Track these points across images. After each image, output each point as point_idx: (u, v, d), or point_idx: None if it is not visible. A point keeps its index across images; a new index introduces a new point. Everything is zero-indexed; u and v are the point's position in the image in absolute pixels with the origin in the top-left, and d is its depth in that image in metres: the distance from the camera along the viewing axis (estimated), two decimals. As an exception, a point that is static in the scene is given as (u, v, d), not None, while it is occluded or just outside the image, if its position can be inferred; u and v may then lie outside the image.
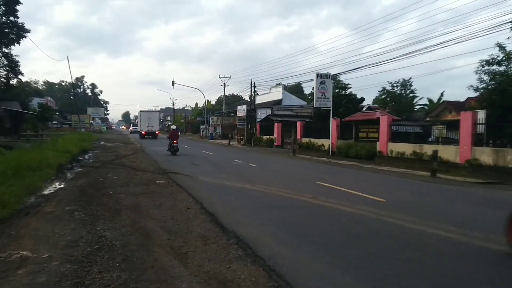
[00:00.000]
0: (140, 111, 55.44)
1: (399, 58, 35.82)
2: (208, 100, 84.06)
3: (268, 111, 46.52)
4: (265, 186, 12.03)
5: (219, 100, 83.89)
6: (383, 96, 43.92)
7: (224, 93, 65.36)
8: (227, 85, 73.13)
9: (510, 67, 18.88)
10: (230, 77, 60.22)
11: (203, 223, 7.27)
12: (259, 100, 53.40)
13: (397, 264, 5.22)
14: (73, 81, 73.95)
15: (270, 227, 7.05)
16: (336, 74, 37.03)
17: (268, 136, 40.30)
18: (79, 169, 15.75)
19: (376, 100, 46.70)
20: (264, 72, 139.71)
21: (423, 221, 7.77)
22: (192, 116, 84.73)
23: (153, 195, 10.03)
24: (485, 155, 17.19)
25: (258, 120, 45.45)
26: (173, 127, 29.07)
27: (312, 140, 31.37)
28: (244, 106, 46.22)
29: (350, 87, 38.79)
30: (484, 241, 6.34)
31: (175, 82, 61.40)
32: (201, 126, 65.54)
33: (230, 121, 58.72)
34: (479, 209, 9.85)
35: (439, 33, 55.71)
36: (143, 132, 51.04)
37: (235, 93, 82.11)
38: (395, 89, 43.09)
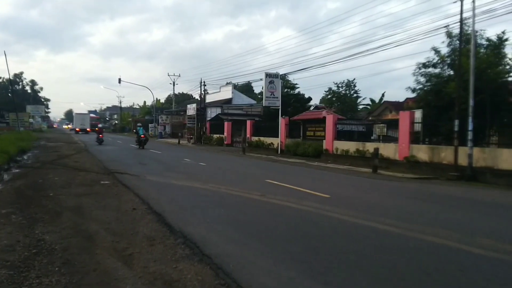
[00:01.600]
0: (76, 113, 77.55)
1: (344, 59, 37.23)
2: (157, 98, 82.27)
3: (218, 110, 46.42)
4: (215, 184, 12.03)
5: (169, 99, 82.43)
6: (329, 96, 45.29)
7: (174, 92, 64.37)
8: (177, 84, 72.19)
9: (444, 70, 20.16)
10: (179, 76, 59.64)
11: (149, 223, 7.16)
12: (209, 99, 53.11)
13: (339, 256, 5.45)
14: (11, 78, 69.39)
15: (219, 225, 7.09)
16: (285, 74, 37.71)
17: (218, 135, 40.22)
18: (17, 170, 14.88)
19: (322, 100, 48.05)
20: (214, 71, 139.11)
21: (365, 215, 8.15)
22: (140, 115, 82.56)
23: (97, 196, 9.71)
24: (422, 152, 18.28)
25: (208, 119, 45.22)
26: (100, 125, 42.47)
27: (262, 138, 31.71)
28: (194, 105, 45.79)
29: (298, 87, 39.67)
30: (420, 233, 6.76)
31: (121, 79, 59.39)
32: (149, 125, 64.07)
33: (180, 119, 57.91)
34: (416, 203, 10.48)
35: (380, 36, 58.34)
36: (77, 129, 68.81)
37: (185, 92, 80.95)
38: (340, 89, 44.61)
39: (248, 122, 34.57)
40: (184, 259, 5.26)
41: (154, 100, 69.44)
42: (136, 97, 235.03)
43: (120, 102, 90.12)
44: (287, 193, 10.92)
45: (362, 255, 5.52)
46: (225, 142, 38.05)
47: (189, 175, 14.38)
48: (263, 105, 30.83)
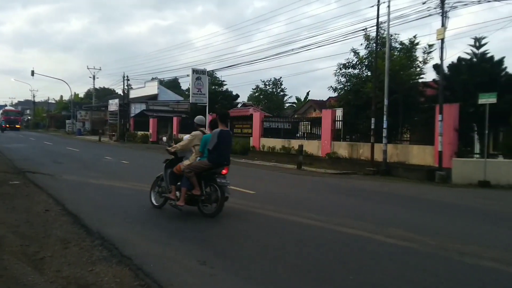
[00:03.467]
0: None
1: (271, 58, 37.85)
2: (75, 92, 77.33)
3: (143, 106, 44.92)
4: (137, 183, 11.59)
5: (89, 93, 77.87)
6: (256, 94, 45.94)
7: (94, 86, 61.00)
8: (97, 78, 68.55)
9: (362, 71, 21.37)
10: (100, 69, 56.57)
11: (64, 225, 6.69)
12: (133, 94, 51.14)
13: (263, 251, 5.51)
14: None
15: (140, 226, 6.83)
16: (212, 71, 37.48)
17: (143, 132, 38.94)
18: None
19: (250, 98, 48.57)
20: (139, 65, 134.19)
21: (288, 210, 8.36)
22: (57, 110, 77.13)
23: (4, 197, 8.86)
24: (342, 149, 19.24)
25: (132, 115, 43.57)
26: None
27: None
28: (117, 100, 43.81)
29: (226, 84, 39.69)
30: (338, 226, 7.07)
31: (35, 71, 54.84)
32: (67, 121, 60.11)
33: (101, 116, 55.09)
34: (335, 197, 11.00)
35: (304, 36, 60.46)
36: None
37: (106, 86, 76.96)
38: (268, 87, 45.45)
39: (175, 119, 33.89)
40: (102, 261, 4.98)
41: (72, 95, 65.18)
42: (52, 91, 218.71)
43: (34, 96, 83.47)
44: (213, 190, 10.84)
45: (284, 249, 5.64)
46: (150, 140, 36.96)
47: (110, 174, 13.71)
48: (190, 101, 30.42)
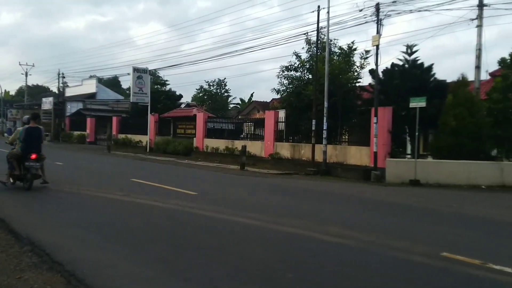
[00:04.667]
0: None
1: (215, 58, 37.74)
2: (5, 90, 72.17)
3: (80, 105, 42.87)
4: (72, 185, 11.05)
5: (21, 91, 72.89)
6: (200, 94, 45.47)
7: (26, 83, 57.18)
8: (30, 74, 64.35)
9: (304, 74, 21.94)
10: (33, 65, 53.15)
11: (-12, 231, 6.20)
12: (69, 92, 48.63)
13: (203, 252, 5.46)
14: None
15: (73, 230, 6.51)
16: (155, 70, 36.60)
17: (79, 132, 37.23)
18: None
19: (194, 98, 47.96)
20: (76, 63, 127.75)
21: (230, 210, 8.36)
22: (-16, 108, 71.34)
23: None
24: (285, 150, 19.62)
25: (68, 114, 41.46)
26: None
27: (129, 136, 30.35)
28: (51, 99, 41.46)
29: (169, 84, 38.92)
30: (279, 225, 7.18)
31: (-42, 65, 50.50)
32: (-5, 120, 55.87)
33: (33, 114, 51.60)
34: (277, 196, 11.18)
35: (248, 38, 60.99)
36: None
37: (40, 84, 72.49)
38: (212, 88, 45.14)
39: (114, 119, 32.72)
40: (31, 268, 4.68)
41: (1, 92, 60.70)
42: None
43: (-44, 93, 76.62)
44: (153, 191, 10.62)
45: (225, 250, 5.63)
46: (88, 140, 35.42)
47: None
48: (131, 101, 29.52)
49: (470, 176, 14.27)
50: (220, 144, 22.87)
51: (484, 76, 19.84)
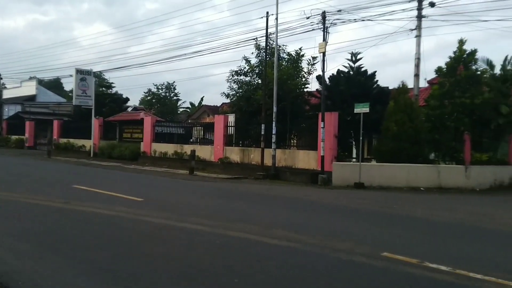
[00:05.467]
0: None
1: (163, 61, 37.01)
2: None
3: (19, 108, 40.47)
4: (7, 192, 10.36)
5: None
6: (148, 98, 44.46)
7: (-43, 83, 53.00)
8: (-38, 74, 59.73)
9: (253, 78, 22.06)
10: (-33, 65, 49.35)
11: None
12: (7, 94, 45.62)
13: (148, 260, 5.29)
14: None
15: (8, 239, 6.08)
16: (100, 72, 35.34)
17: (18, 136, 35.05)
18: None
19: (142, 101, 46.79)
20: (15, 63, 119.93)
21: (177, 216, 8.19)
22: None
23: None
24: (234, 154, 19.60)
25: (5, 117, 38.99)
26: None
27: (72, 140, 29.04)
28: (-14, 100, 38.72)
29: (115, 86, 37.70)
30: (227, 230, 7.12)
31: None
32: None
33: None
34: (226, 201, 11.10)
35: (198, 42, 60.56)
36: None
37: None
38: (160, 91, 44.29)
39: (55, 122, 31.17)
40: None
41: None
42: None
43: None
44: (97, 198, 10.18)
45: (171, 257, 5.49)
46: (27, 145, 33.40)
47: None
48: (74, 104, 28.26)
49: (409, 179, 15.01)
50: (168, 148, 22.43)
51: (423, 83, 21.04)
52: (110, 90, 36.70)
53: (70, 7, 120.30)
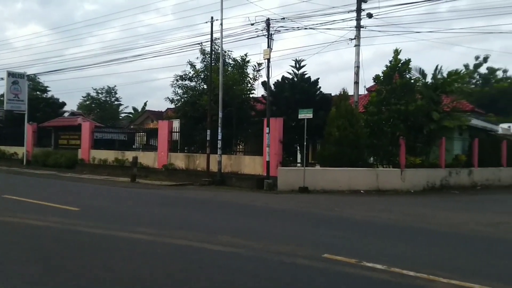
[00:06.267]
0: None
1: (104, 64, 35.68)
2: None
3: None
4: None
5: None
6: (87, 102, 42.56)
7: None
8: None
9: (199, 83, 21.88)
10: None
11: None
12: None
13: (83, 272, 5.02)
14: None
15: None
16: (35, 75, 33.39)
17: None
18: None
19: (80, 106, 44.66)
20: None
21: (117, 225, 7.88)
22: None
23: None
24: (179, 160, 19.25)
25: None
26: None
27: (2, 148, 27.20)
28: None
29: (50, 90, 35.82)
30: (169, 238, 6.95)
31: None
32: None
33: None
34: (170, 208, 10.87)
35: (141, 45, 59.11)
36: None
37: None
38: (100, 95, 42.56)
39: (-16, 128, 28.94)
40: None
41: None
42: None
43: None
44: (30, 209, 9.56)
45: (110, 268, 5.25)
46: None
47: None
48: (5, 108, 26.43)
49: (351, 182, 15.55)
50: (109, 155, 21.58)
51: (363, 91, 21.99)
52: (46, 94, 34.82)
53: (2, 7, 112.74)
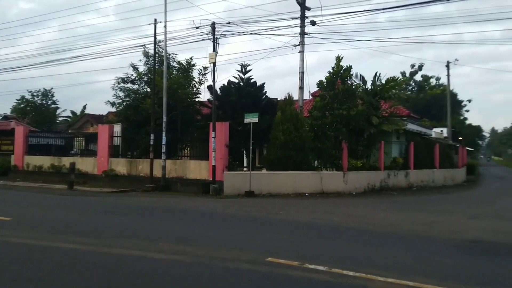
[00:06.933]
0: None
1: (40, 65, 33.50)
2: None
3: None
4: None
5: None
6: (22, 105, 39.93)
7: None
8: None
9: (142, 86, 21.29)
10: None
11: None
12: None
13: (12, 286, 4.64)
14: None
15: None
16: (-40, 75, 30.84)
17: None
18: None
19: (14, 109, 41.76)
20: None
21: (51, 235, 7.41)
22: None
23: None
24: (121, 166, 18.58)
25: None
26: None
27: None
28: None
29: (-22, 92, 33.23)
30: (108, 247, 6.61)
31: None
32: None
33: None
34: (109, 216, 10.41)
35: (80, 46, 56.69)
36: None
37: None
38: (36, 98, 40.11)
39: None
40: None
41: None
42: None
43: None
44: (-50, 220, 8.72)
45: (42, 281, 4.90)
46: None
47: None
48: None
49: (296, 186, 15.80)
50: (45, 161, 20.38)
51: (307, 96, 22.50)
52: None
53: None
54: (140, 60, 21.24)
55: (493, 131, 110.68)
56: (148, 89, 20.49)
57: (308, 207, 12.83)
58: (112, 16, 75.16)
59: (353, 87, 18.76)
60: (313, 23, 19.01)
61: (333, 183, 16.46)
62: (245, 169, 18.18)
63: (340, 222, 9.99)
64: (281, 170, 15.87)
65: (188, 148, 19.48)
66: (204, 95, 21.32)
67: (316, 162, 17.62)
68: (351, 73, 18.45)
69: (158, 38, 18.39)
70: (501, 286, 5.08)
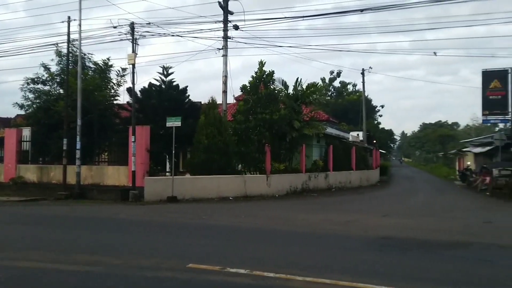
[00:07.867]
0: None
1: None
2: None
3: None
4: None
5: None
6: None
7: None
8: None
9: (54, 88, 19.86)
10: None
11: None
12: None
13: None
14: None
15: None
16: None
17: None
18: None
19: None
20: None
21: None
22: None
23: None
24: (30, 173, 17.15)
25: None
26: None
27: None
28: None
29: None
30: (12, 260, 6.04)
31: None
32: None
33: None
34: (17, 227, 9.54)
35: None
36: None
37: None
38: None
39: None
40: None
41: None
42: None
43: None
44: None
45: None
46: None
47: None
48: None
49: (220, 190, 15.74)
50: None
51: (231, 100, 22.55)
52: None
53: None
54: (52, 60, 19.86)
55: (403, 134, 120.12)
56: (61, 91, 19.17)
57: (231, 210, 12.82)
58: (21, 12, 69.30)
59: (276, 91, 19.21)
60: (236, 27, 19.13)
61: (257, 186, 16.67)
62: (168, 174, 17.70)
63: (263, 224, 10.11)
64: (204, 174, 15.70)
65: (106, 153, 18.51)
66: (124, 98, 20.47)
67: (240, 165, 17.72)
68: (273, 77, 18.87)
69: (72, 36, 17.30)
70: (409, 278, 5.45)
